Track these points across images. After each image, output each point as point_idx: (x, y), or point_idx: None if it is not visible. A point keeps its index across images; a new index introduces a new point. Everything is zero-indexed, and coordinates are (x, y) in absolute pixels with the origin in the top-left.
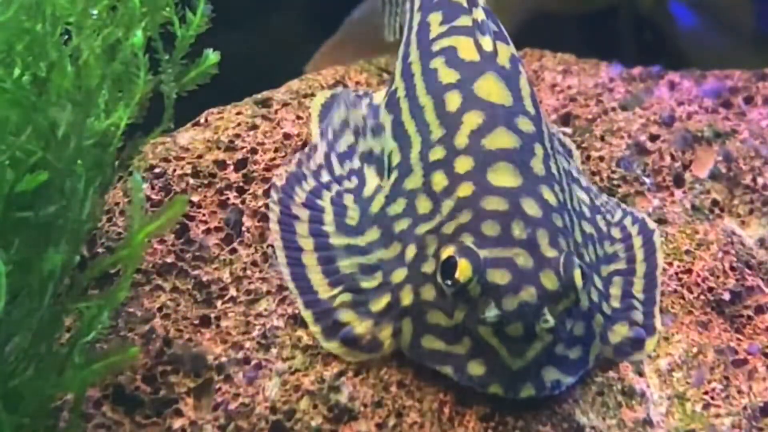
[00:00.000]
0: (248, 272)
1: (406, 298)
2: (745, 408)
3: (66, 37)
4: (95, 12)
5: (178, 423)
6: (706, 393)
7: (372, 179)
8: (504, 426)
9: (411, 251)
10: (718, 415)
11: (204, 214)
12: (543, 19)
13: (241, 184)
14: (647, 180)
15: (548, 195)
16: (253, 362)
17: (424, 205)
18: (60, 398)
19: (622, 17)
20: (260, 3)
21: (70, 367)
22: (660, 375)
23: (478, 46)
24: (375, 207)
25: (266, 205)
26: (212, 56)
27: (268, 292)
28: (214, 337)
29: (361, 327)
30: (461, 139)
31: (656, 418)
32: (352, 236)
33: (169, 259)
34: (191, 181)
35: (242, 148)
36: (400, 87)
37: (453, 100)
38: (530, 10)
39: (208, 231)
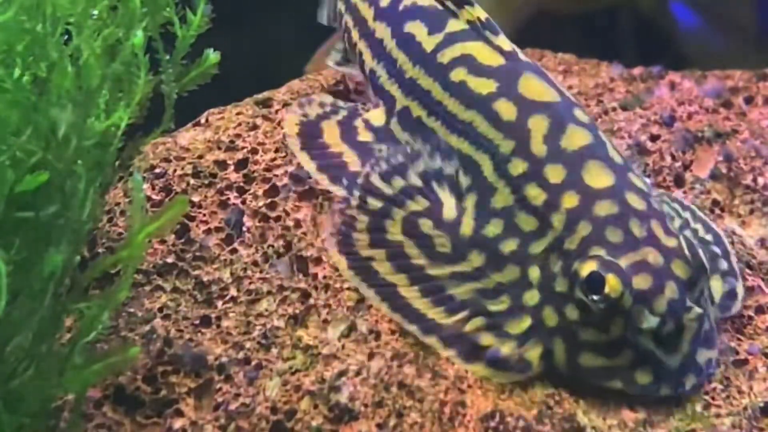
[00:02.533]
0: (249, 272)
1: (550, 320)
2: (745, 408)
3: (66, 37)
4: (95, 12)
5: (178, 423)
6: (706, 393)
7: (448, 200)
8: (504, 426)
9: (534, 272)
10: (718, 415)
11: (204, 215)
12: (543, 19)
13: (241, 184)
14: (648, 180)
15: (638, 182)
16: (254, 362)
17: (527, 222)
18: (60, 398)
19: (622, 17)
20: (261, 3)
21: (70, 368)
22: None
23: (497, 48)
24: (466, 230)
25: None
26: (212, 56)
27: (269, 292)
28: (214, 337)
29: (506, 348)
30: (538, 147)
31: (657, 418)
32: (453, 264)
33: (170, 260)
34: (192, 181)
35: (243, 148)
36: (412, 106)
37: (506, 109)
38: (530, 10)
39: (208, 231)
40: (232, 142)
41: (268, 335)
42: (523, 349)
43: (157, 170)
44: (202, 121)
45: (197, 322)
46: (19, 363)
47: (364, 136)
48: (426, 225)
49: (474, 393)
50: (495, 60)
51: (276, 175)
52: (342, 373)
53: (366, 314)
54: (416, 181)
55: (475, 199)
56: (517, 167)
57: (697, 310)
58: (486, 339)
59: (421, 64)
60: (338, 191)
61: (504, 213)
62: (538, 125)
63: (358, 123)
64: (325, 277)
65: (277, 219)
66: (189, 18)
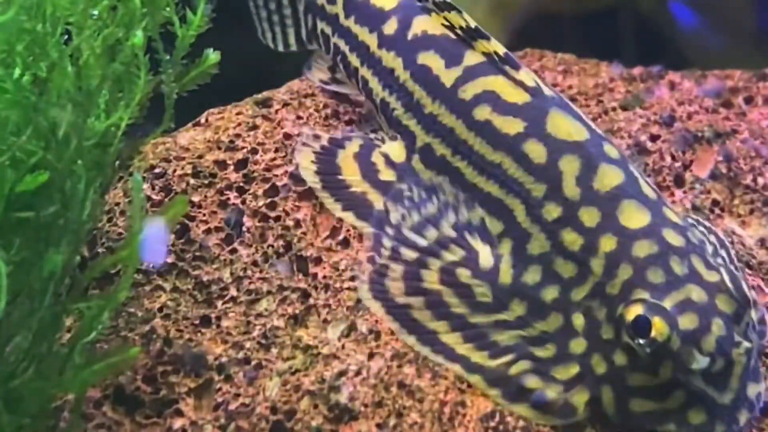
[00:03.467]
0: (248, 272)
1: (600, 367)
2: None
3: (66, 37)
4: (95, 12)
5: (178, 423)
6: None
7: (483, 249)
8: (504, 426)
9: (578, 320)
10: None
11: (204, 214)
12: (543, 19)
13: (241, 184)
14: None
15: (673, 216)
16: (254, 362)
17: (566, 268)
18: (60, 398)
19: (622, 17)
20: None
21: (70, 368)
22: None
23: (520, 84)
24: (505, 278)
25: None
26: (212, 56)
27: (269, 292)
28: (214, 337)
29: (552, 392)
30: (571, 190)
31: None
32: (495, 312)
33: (170, 259)
34: (192, 181)
35: (243, 148)
36: (435, 144)
37: (536, 151)
38: (530, 10)
39: (208, 231)
40: (231, 142)
41: (268, 335)
42: (569, 395)
43: (157, 170)
44: (202, 121)
45: (197, 322)
46: (19, 363)
47: (386, 174)
48: (464, 275)
49: (474, 393)
50: (520, 97)
51: (276, 175)
52: (342, 373)
53: (366, 314)
54: (450, 232)
55: (510, 245)
56: (551, 212)
57: (746, 344)
58: (532, 382)
59: (441, 100)
60: (365, 229)
61: (542, 259)
62: (570, 167)
63: (377, 158)
64: (324, 277)
65: (277, 219)
66: (189, 18)
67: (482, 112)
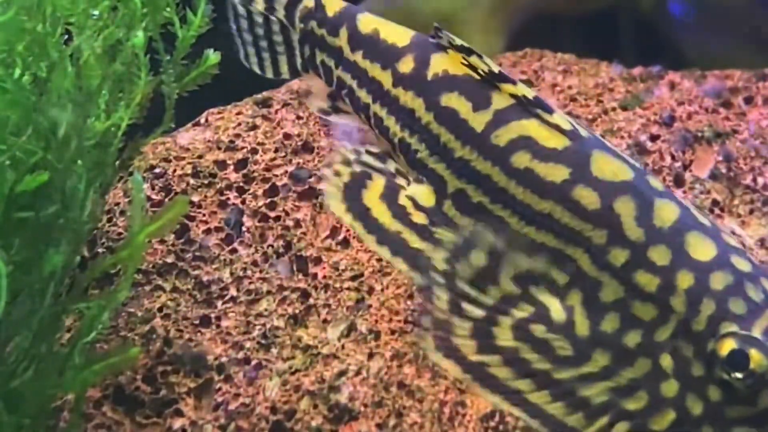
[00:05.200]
0: (248, 272)
1: (696, 408)
2: None
3: (66, 37)
4: (96, 12)
5: (178, 423)
6: None
7: (552, 302)
8: (504, 426)
9: (666, 361)
10: None
11: (204, 214)
12: (543, 19)
13: (241, 184)
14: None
15: (731, 241)
16: (254, 362)
17: (645, 311)
18: (60, 398)
19: (622, 17)
20: None
21: (70, 368)
22: None
23: (556, 128)
24: (582, 330)
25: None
26: (212, 56)
27: (269, 292)
28: (214, 337)
29: None
30: (635, 232)
31: None
32: (578, 366)
33: (170, 259)
34: (191, 181)
35: (242, 148)
36: (469, 190)
37: (588, 197)
38: (530, 10)
39: (208, 231)
40: (231, 142)
41: (268, 335)
42: None
43: (157, 170)
44: (202, 121)
45: (197, 322)
46: (19, 363)
47: (418, 217)
48: (538, 330)
49: (474, 393)
50: (558, 142)
51: (276, 175)
52: (342, 373)
53: (366, 314)
54: (512, 287)
55: (580, 296)
56: (618, 257)
57: None
58: None
59: (472, 145)
60: (401, 266)
61: (617, 306)
62: (626, 208)
63: (403, 200)
64: (324, 277)
65: (277, 219)
66: (189, 18)
67: (521, 159)
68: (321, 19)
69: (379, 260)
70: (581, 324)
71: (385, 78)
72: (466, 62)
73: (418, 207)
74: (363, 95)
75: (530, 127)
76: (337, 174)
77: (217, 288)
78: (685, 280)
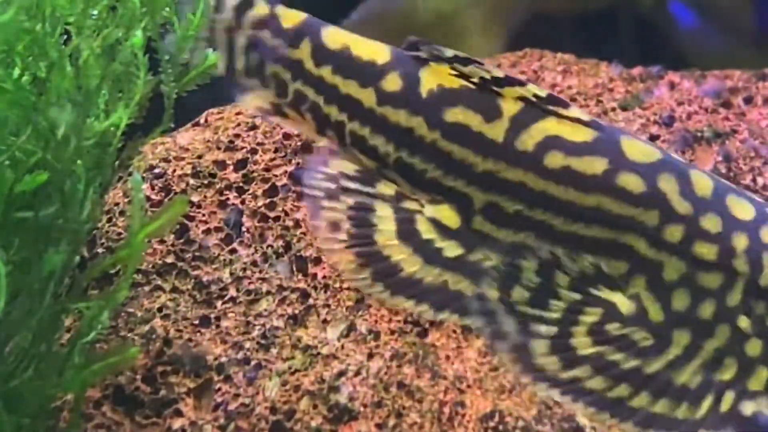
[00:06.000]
0: (248, 272)
1: None
2: None
3: (66, 37)
4: (95, 12)
5: (178, 423)
6: None
7: (616, 297)
8: (504, 426)
9: (743, 322)
10: None
11: (204, 215)
12: (543, 19)
13: (241, 184)
14: None
15: (753, 196)
16: (253, 362)
17: (711, 280)
18: (60, 398)
19: (622, 17)
20: None
21: (70, 368)
22: None
23: (577, 121)
24: (656, 316)
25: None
26: (212, 56)
27: (268, 292)
28: (214, 338)
29: (765, 405)
30: (683, 206)
31: None
32: (665, 351)
33: (169, 260)
34: (191, 181)
35: (242, 148)
36: (501, 201)
37: (632, 182)
38: (530, 11)
39: (208, 231)
40: (231, 142)
41: (268, 335)
42: None
43: (157, 170)
44: (202, 121)
45: (196, 322)
46: (18, 363)
47: (451, 248)
48: (613, 328)
49: (473, 393)
50: (584, 135)
51: (275, 175)
52: (341, 373)
53: (365, 314)
54: (572, 295)
55: (643, 282)
56: (674, 234)
57: None
58: (747, 408)
59: (496, 156)
60: (452, 318)
61: (683, 282)
62: (669, 185)
63: (425, 229)
64: (324, 277)
65: (277, 219)
66: (189, 18)
67: (555, 160)
68: (275, 30)
69: None
70: (653, 309)
71: (366, 96)
72: (456, 73)
73: (445, 233)
74: (333, 112)
75: (551, 126)
76: (332, 216)
77: (217, 288)
78: (740, 241)
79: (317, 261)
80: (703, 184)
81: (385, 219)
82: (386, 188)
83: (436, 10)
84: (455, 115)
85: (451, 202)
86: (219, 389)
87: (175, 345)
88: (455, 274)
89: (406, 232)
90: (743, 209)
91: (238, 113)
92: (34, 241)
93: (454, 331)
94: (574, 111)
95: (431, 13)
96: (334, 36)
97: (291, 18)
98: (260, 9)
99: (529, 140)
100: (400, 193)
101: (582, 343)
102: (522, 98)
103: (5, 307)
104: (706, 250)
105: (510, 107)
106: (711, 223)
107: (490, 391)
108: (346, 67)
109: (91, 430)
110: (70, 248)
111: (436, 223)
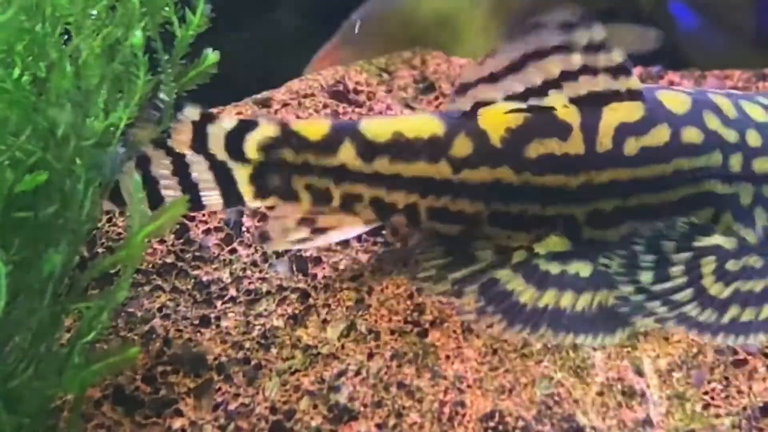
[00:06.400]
0: (248, 272)
1: None
2: (744, 408)
3: (65, 37)
4: (94, 12)
5: (177, 423)
6: (706, 393)
7: (717, 239)
8: (504, 426)
9: None
10: (718, 415)
11: (204, 215)
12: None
13: None
14: None
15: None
16: (253, 362)
17: None
18: (60, 398)
19: (622, 17)
20: (260, 3)
21: (70, 368)
22: (660, 375)
23: (629, 93)
24: (752, 239)
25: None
26: (212, 56)
27: (268, 292)
28: (214, 337)
29: None
30: (731, 135)
31: (656, 418)
32: None
33: (169, 260)
34: None
35: None
36: (603, 203)
37: (692, 134)
38: (530, 11)
39: (208, 231)
40: None
41: (268, 335)
42: None
43: None
44: None
45: (196, 322)
46: (18, 363)
47: (582, 269)
48: (731, 264)
49: (473, 393)
50: (638, 110)
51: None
52: (341, 373)
53: (365, 314)
54: (684, 256)
55: (729, 216)
56: (736, 163)
57: None
58: None
59: (586, 167)
60: (618, 337)
61: (757, 201)
62: (714, 122)
63: (547, 266)
64: (324, 277)
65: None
66: (188, 18)
67: (631, 146)
68: (299, 146)
69: (379, 260)
70: (748, 235)
71: (439, 169)
72: (510, 109)
73: (565, 259)
74: (400, 198)
75: (612, 117)
76: (468, 305)
77: (217, 288)
78: None
79: (317, 261)
80: (726, 105)
81: (512, 281)
82: (484, 253)
83: (436, 10)
84: (536, 149)
85: (554, 228)
86: (219, 389)
87: (175, 345)
88: (598, 290)
89: (538, 279)
90: (756, 112)
91: (238, 113)
92: (34, 241)
93: (454, 331)
94: (633, 81)
95: (431, 13)
96: (376, 129)
97: (316, 129)
98: (266, 131)
99: (605, 139)
100: (499, 248)
101: (718, 289)
102: (574, 100)
103: (5, 307)
104: (764, 165)
105: (570, 117)
106: (753, 138)
107: (490, 391)
108: (406, 151)
109: (91, 430)
110: (69, 248)
111: (554, 256)
